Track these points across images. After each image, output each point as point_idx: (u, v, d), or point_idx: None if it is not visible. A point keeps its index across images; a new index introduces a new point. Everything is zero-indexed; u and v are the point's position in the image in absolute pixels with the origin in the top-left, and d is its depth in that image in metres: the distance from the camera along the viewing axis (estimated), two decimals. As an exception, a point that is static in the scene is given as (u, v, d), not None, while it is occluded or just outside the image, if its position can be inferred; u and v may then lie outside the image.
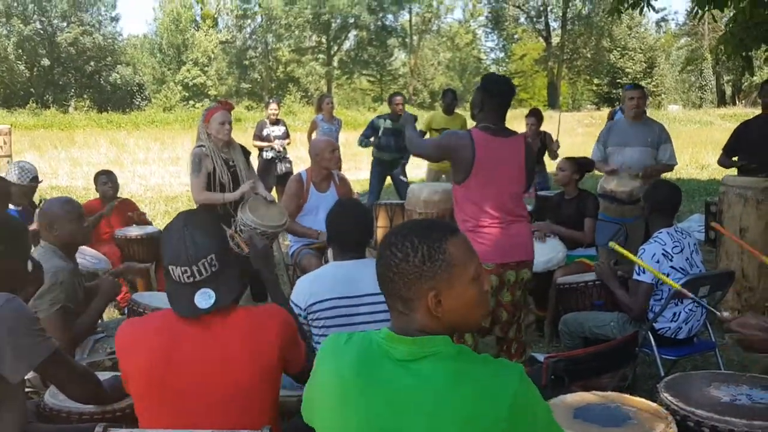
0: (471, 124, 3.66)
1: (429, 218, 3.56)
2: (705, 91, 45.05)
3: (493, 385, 1.31)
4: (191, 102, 38.33)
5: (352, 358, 1.40)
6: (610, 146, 5.31)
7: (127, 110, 34.75)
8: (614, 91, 43.88)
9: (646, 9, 7.53)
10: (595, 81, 47.02)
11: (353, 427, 1.36)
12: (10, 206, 4.56)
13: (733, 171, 5.53)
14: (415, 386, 1.32)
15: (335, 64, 45.84)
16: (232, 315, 1.84)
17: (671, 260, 3.27)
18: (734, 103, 40.41)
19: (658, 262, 3.26)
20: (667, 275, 3.26)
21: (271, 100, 8.87)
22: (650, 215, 3.52)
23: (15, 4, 36.26)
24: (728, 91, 44.38)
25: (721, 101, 42.39)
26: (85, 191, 11.32)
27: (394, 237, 1.41)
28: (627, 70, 43.50)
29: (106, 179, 5.53)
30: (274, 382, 1.85)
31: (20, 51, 36.64)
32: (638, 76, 42.98)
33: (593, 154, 5.40)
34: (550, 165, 6.92)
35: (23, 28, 36.05)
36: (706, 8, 6.81)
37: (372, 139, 7.87)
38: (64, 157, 16.86)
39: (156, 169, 14.88)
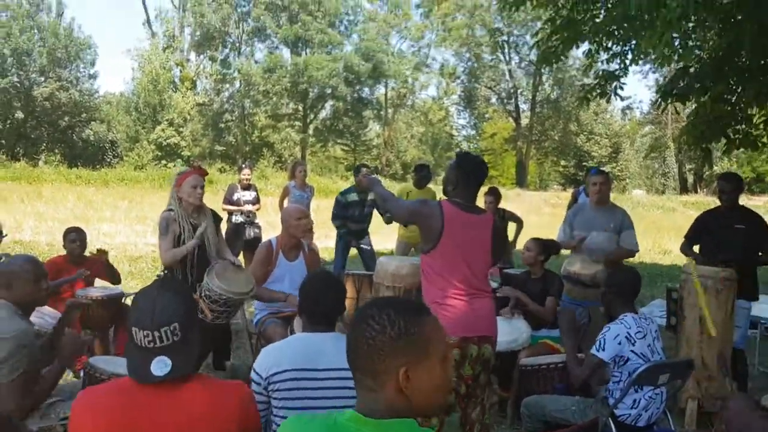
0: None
1: (403, 296, 3.59)
2: (668, 177, 46.50)
3: None
4: (163, 161, 38.22)
5: None
6: (576, 230, 5.43)
7: (98, 167, 34.53)
8: (580, 173, 45.09)
9: (613, 98, 7.86)
10: (562, 162, 48.39)
11: None
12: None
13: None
14: None
15: (310, 131, 46.47)
16: (189, 385, 1.82)
17: (633, 345, 3.32)
18: (696, 191, 41.74)
19: (620, 343, 3.31)
20: (627, 359, 3.30)
21: (244, 165, 8.92)
22: (611, 299, 3.57)
23: (-7, 57, 36.36)
24: (690, 179, 45.86)
25: (684, 188, 43.76)
26: (49, 247, 11.12)
27: (370, 309, 1.42)
28: (593, 153, 44.94)
29: (75, 237, 5.46)
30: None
31: (-5, 103, 36.53)
32: (604, 159, 44.38)
33: (559, 235, 5.52)
34: (519, 243, 7.04)
35: (0, 80, 35.99)
36: (669, 101, 7.15)
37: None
38: (30, 210, 16.58)
39: (122, 228, 14.69)
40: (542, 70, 44.04)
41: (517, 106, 47.96)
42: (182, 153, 40.21)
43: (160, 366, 1.78)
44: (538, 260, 4.81)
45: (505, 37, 44.33)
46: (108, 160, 39.54)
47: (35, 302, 3.10)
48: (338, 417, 1.42)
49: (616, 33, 7.18)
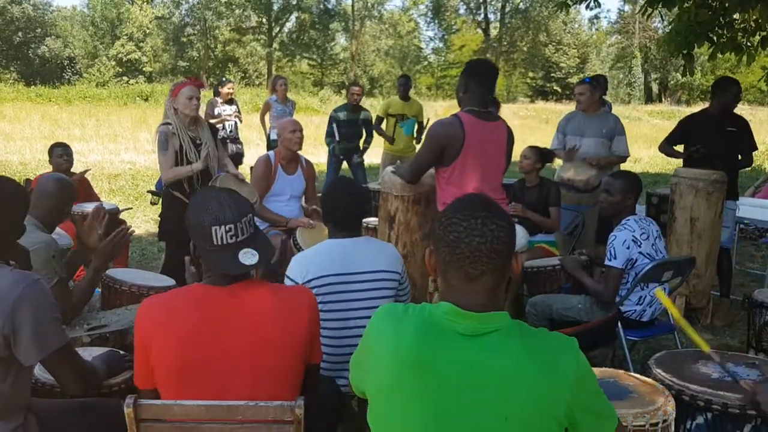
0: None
1: (412, 205, 3.64)
2: (633, 87, 46.64)
3: (557, 360, 1.38)
4: (125, 78, 37.08)
5: (412, 330, 1.41)
6: (568, 135, 5.53)
7: (57, 84, 33.34)
8: (548, 84, 45.02)
9: (592, 4, 7.79)
10: (530, 74, 48.06)
11: (417, 397, 1.37)
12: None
13: (677, 162, 5.76)
14: (484, 361, 1.36)
15: (276, 45, 45.19)
16: (259, 288, 1.86)
17: (640, 246, 3.44)
18: (660, 101, 42.02)
19: (628, 248, 3.42)
20: (635, 260, 3.43)
21: (224, 80, 8.73)
22: (621, 204, 3.60)
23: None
24: (655, 88, 46.11)
25: (649, 98, 44.01)
26: (22, 166, 10.89)
27: (484, 210, 1.42)
28: (561, 64, 44.69)
29: (61, 152, 5.37)
30: (303, 358, 1.87)
31: (-60, 17, 34.72)
32: (571, 71, 44.24)
33: (552, 143, 5.63)
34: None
35: (-53, -7, 34.16)
36: (655, 7, 7.11)
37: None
38: (-7, 130, 16.10)
39: (94, 146, 14.38)
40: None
41: (486, 17, 47.10)
42: (143, 69, 39.02)
43: (248, 256, 1.81)
44: (535, 168, 4.88)
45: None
46: (67, 77, 38.10)
47: (60, 221, 3.10)
48: (433, 309, 1.44)
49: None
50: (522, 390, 1.34)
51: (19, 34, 37.32)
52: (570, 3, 7.70)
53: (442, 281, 1.46)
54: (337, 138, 7.86)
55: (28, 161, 11.40)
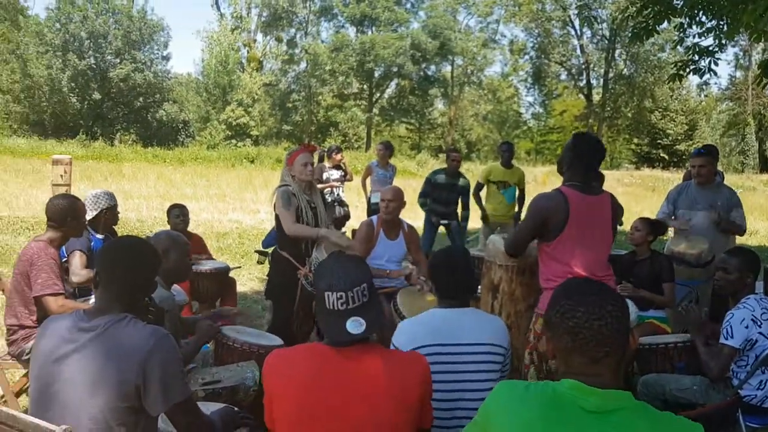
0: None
1: (515, 275, 3.61)
2: (747, 155, 44.62)
3: None
4: (233, 141, 39.17)
5: (537, 407, 1.43)
6: (680, 209, 5.33)
7: (172, 146, 35.64)
8: (654, 151, 43.74)
9: (707, 75, 7.60)
10: (635, 140, 46.94)
11: None
12: (96, 234, 4.70)
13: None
14: None
15: (376, 111, 46.61)
16: (372, 354, 1.91)
17: (760, 327, 3.25)
18: (777, 170, 39.97)
19: (747, 327, 3.25)
20: (755, 341, 3.25)
21: (336, 147, 9.16)
22: (739, 282, 3.45)
23: (72, 40, 37.66)
24: (771, 157, 43.96)
25: (764, 167, 41.94)
26: (139, 223, 11.57)
27: (596, 293, 1.49)
28: (668, 131, 43.41)
29: (179, 212, 5.69)
30: (416, 424, 1.89)
31: (73, 84, 37.93)
32: (679, 137, 42.88)
33: (660, 212, 5.45)
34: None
35: (78, 62, 37.36)
36: (773, 76, 6.89)
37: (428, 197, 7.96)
38: (114, 189, 17.16)
39: (204, 205, 15.14)
40: (615, 45, 42.85)
41: (588, 83, 46.71)
42: (251, 132, 41.06)
43: (356, 325, 1.88)
44: (647, 240, 4.74)
45: (576, 11, 43.13)
46: (181, 139, 40.69)
47: (182, 275, 3.28)
48: (557, 386, 1.46)
49: (711, 6, 6.93)
50: None
51: (140, 99, 40.28)
52: (683, 74, 7.57)
53: (563, 364, 1.48)
54: (431, 200, 7.88)
55: (144, 218, 12.12)
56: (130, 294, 2.12)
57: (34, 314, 3.64)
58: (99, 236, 4.73)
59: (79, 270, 4.31)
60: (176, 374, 2.01)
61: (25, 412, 2.03)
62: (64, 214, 3.73)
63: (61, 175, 6.05)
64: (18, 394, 3.83)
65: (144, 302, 2.29)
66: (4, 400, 3.66)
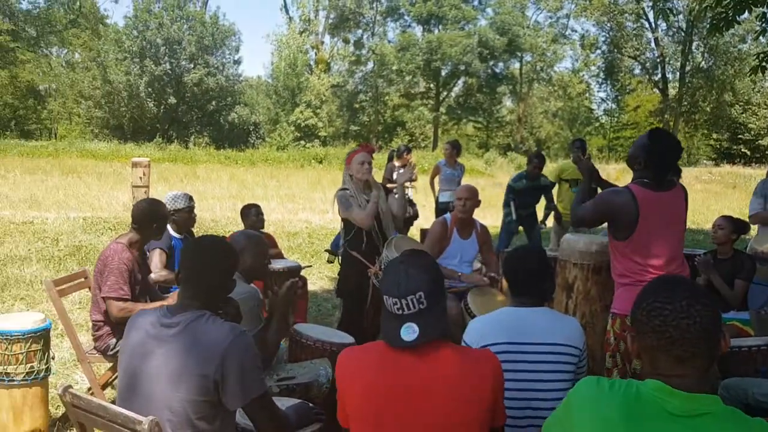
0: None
1: (591, 274, 3.54)
2: (836, 149, 42.25)
3: None
4: (302, 142, 39.81)
5: (618, 406, 1.41)
6: (769, 201, 5.16)
7: (243, 148, 36.51)
8: (734, 146, 41.92)
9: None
10: (714, 135, 45.08)
11: None
12: (175, 234, 4.86)
13: None
14: None
15: (443, 109, 46.44)
16: (442, 352, 1.91)
17: None
18: None
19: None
20: None
21: (403, 147, 9.19)
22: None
23: (149, 47, 39.07)
24: None
25: None
26: (213, 223, 11.90)
27: (686, 292, 1.43)
28: (750, 125, 41.50)
29: (255, 212, 5.82)
30: (487, 422, 1.89)
31: (150, 89, 39.34)
32: (762, 131, 40.93)
33: (751, 206, 5.29)
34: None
35: (154, 68, 38.73)
36: None
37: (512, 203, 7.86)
38: (189, 190, 17.71)
39: (275, 205, 15.43)
40: (692, 38, 41.31)
41: (664, 77, 45.10)
42: (319, 133, 41.62)
43: (408, 332, 1.89)
44: (730, 239, 4.56)
45: (650, 3, 41.75)
46: (252, 141, 41.61)
47: (259, 273, 3.37)
48: (641, 386, 1.43)
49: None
50: None
51: (213, 102, 41.42)
52: (766, 65, 7.27)
53: (648, 364, 1.45)
54: (514, 209, 7.79)
55: (218, 218, 12.45)
56: (210, 292, 2.20)
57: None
58: (178, 236, 4.88)
59: (158, 269, 4.47)
60: (253, 370, 2.06)
61: (112, 403, 2.12)
62: (147, 218, 3.86)
63: (140, 177, 6.30)
64: (104, 387, 4.00)
65: (224, 300, 2.36)
66: (91, 392, 3.83)
